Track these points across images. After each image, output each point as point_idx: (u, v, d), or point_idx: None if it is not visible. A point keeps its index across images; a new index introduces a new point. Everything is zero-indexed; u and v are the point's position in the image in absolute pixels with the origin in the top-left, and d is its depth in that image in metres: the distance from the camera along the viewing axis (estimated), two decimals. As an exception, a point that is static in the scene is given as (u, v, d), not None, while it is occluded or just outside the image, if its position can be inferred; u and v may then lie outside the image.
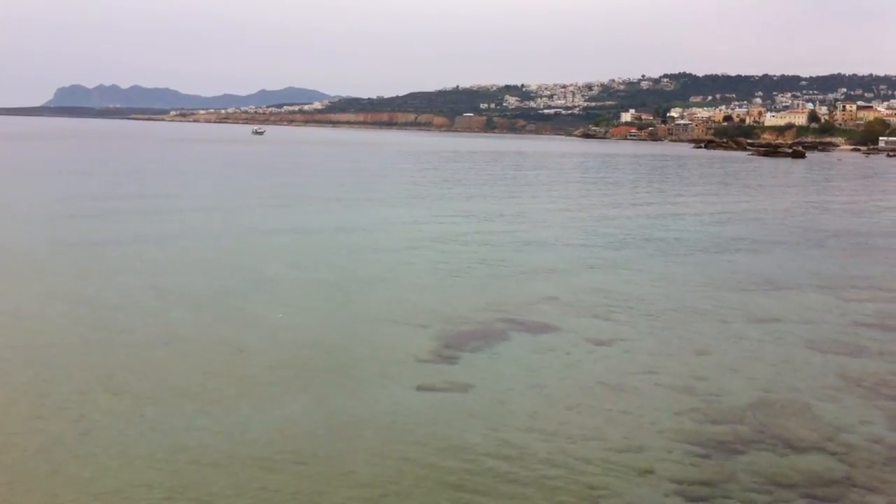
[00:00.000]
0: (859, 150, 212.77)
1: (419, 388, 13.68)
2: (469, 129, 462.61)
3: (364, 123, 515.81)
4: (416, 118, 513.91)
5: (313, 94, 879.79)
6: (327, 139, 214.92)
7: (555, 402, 13.22)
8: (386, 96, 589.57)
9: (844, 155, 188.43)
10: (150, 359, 14.86)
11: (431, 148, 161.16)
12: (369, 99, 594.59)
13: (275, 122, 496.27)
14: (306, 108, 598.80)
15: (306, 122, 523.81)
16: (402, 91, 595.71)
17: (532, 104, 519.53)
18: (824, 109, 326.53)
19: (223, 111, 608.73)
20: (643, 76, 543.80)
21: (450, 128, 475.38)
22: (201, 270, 23.36)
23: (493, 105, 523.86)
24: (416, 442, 11.48)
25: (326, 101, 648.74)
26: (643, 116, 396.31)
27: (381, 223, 35.45)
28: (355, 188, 54.78)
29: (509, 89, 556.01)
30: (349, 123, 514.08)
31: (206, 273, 23.00)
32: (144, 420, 11.93)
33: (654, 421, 12.52)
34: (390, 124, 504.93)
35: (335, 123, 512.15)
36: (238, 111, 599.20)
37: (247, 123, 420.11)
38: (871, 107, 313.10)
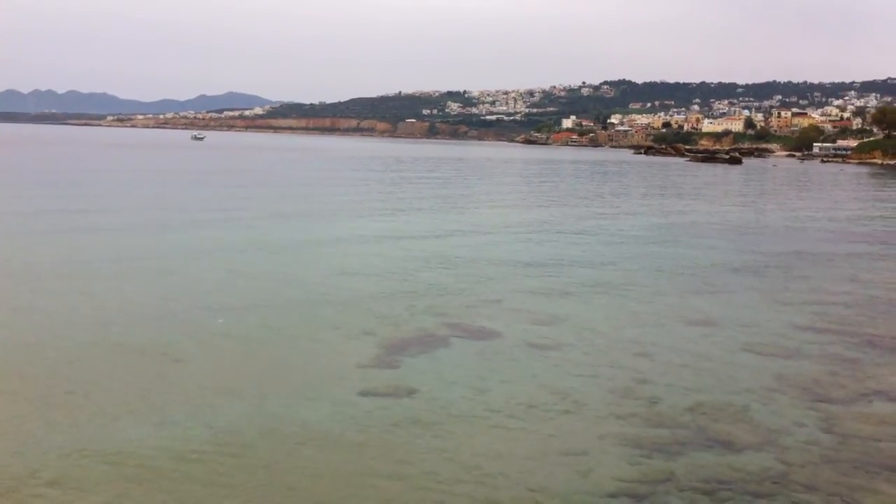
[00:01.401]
0: (794, 155, 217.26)
1: (362, 394, 13.65)
2: (412, 135, 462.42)
3: (306, 129, 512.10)
4: (358, 124, 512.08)
5: (254, 100, 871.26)
6: (269, 145, 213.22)
7: (497, 407, 13.28)
8: (328, 102, 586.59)
9: (780, 161, 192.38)
10: (84, 368, 14.61)
11: (374, 154, 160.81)
12: (311, 104, 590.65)
13: (215, 128, 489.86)
14: (247, 113, 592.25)
15: (247, 128, 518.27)
16: (344, 97, 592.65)
17: (474, 110, 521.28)
18: (760, 116, 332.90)
19: (162, 116, 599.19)
20: (584, 83, 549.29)
21: (392, 134, 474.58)
22: (139, 280, 23.02)
23: (435, 111, 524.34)
24: (359, 449, 11.46)
25: (268, 107, 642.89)
26: (584, 123, 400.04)
27: (325, 230, 35.28)
28: (297, 196, 54.43)
29: (452, 96, 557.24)
30: (291, 129, 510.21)
31: (144, 282, 22.66)
32: (79, 431, 11.71)
33: (596, 424, 12.66)
34: (332, 130, 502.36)
35: (276, 129, 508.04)
36: (177, 116, 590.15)
37: (186, 129, 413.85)
38: (806, 113, 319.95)
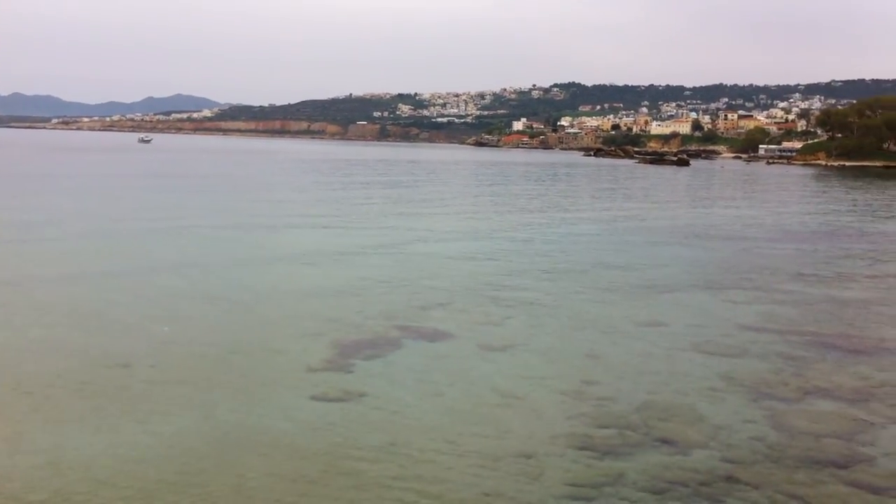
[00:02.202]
0: (741, 157, 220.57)
1: (313, 398, 13.57)
2: (362, 137, 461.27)
3: (256, 131, 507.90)
4: (309, 126, 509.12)
5: (203, 102, 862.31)
6: (218, 148, 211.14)
7: (449, 409, 13.29)
8: (278, 104, 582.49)
9: (727, 162, 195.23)
10: (29, 376, 14.31)
11: (325, 156, 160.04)
12: (261, 107, 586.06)
13: (162, 131, 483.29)
14: (195, 115, 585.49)
15: (195, 131, 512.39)
16: (294, 99, 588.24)
17: (425, 113, 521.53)
18: (707, 118, 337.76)
19: (108, 119, 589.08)
20: (534, 86, 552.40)
21: (343, 136, 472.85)
22: (83, 284, 22.65)
23: (386, 113, 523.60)
24: (311, 453, 11.39)
25: (216, 109, 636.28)
26: (534, 125, 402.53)
27: (275, 234, 35.03)
28: (246, 198, 54.00)
29: (403, 98, 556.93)
30: (240, 132, 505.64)
31: (89, 287, 22.31)
32: (24, 440, 11.48)
33: (546, 425, 12.72)
34: (283, 132, 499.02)
35: (226, 132, 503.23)
36: (124, 119, 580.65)
37: (133, 131, 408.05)
38: (752, 116, 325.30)
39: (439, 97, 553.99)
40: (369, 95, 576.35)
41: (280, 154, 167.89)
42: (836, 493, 10.63)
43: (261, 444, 11.67)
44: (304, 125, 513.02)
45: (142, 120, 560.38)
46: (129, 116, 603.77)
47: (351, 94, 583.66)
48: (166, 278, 23.78)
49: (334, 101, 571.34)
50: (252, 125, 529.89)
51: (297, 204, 49.79)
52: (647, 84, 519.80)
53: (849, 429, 12.86)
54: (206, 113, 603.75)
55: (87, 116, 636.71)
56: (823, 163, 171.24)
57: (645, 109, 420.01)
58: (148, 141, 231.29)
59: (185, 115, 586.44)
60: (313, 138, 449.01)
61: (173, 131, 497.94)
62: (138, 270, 24.99)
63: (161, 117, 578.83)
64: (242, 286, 23.00)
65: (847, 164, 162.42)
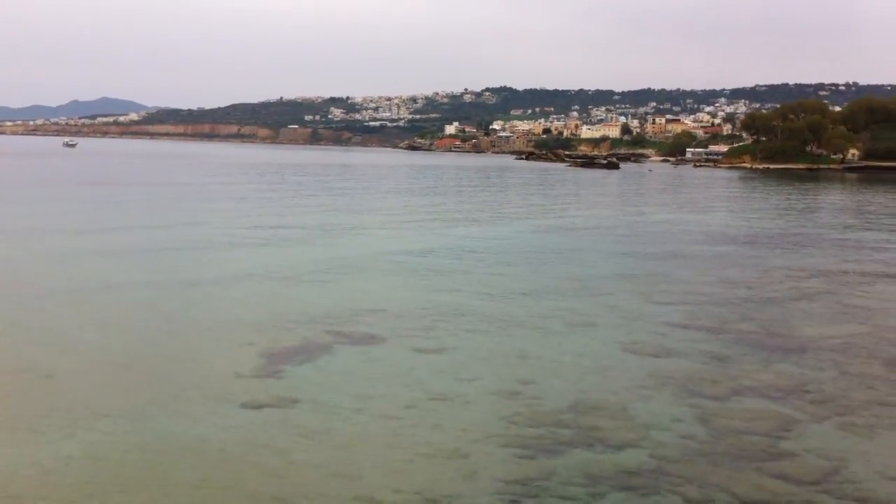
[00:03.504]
0: (669, 160, 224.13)
1: (243, 406, 13.40)
2: (294, 141, 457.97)
3: (184, 135, 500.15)
4: (239, 130, 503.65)
5: (129, 105, 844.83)
6: (145, 152, 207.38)
7: (382, 413, 13.24)
8: (207, 107, 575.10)
9: (655, 165, 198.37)
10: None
11: (256, 160, 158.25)
12: (190, 110, 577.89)
13: (88, 135, 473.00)
14: (122, 119, 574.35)
15: (122, 134, 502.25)
16: (224, 102, 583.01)
17: (358, 116, 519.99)
18: (636, 122, 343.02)
19: (32, 123, 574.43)
20: (466, 90, 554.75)
21: (274, 140, 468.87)
22: (6, 294, 22.05)
23: (318, 117, 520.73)
24: (241, 462, 11.25)
25: (144, 113, 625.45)
26: (467, 129, 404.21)
27: (207, 239, 34.50)
28: (173, 204, 53.17)
29: (335, 101, 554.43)
30: (168, 135, 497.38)
31: (9, 297, 21.71)
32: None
33: (479, 425, 12.77)
34: (212, 136, 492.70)
35: (153, 135, 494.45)
36: (48, 123, 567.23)
37: (58, 136, 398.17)
38: (679, 120, 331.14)
39: (372, 101, 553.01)
40: (301, 99, 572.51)
41: (210, 158, 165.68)
42: (763, 486, 10.86)
43: (189, 452, 11.48)
44: (234, 129, 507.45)
45: (66, 124, 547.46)
46: (53, 120, 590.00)
47: (282, 98, 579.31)
48: (93, 287, 23.25)
49: (265, 105, 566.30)
50: (181, 129, 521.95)
51: (230, 210, 49.14)
52: (577, 88, 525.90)
53: (775, 425, 13.15)
54: (134, 116, 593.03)
55: (10, 121, 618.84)
56: (749, 165, 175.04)
57: (575, 114, 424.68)
58: (73, 145, 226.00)
59: (111, 119, 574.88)
60: (244, 142, 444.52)
61: (99, 135, 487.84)
62: (62, 279, 24.40)
63: (87, 121, 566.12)
64: (171, 292, 22.62)
65: (772, 166, 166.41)
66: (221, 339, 17.76)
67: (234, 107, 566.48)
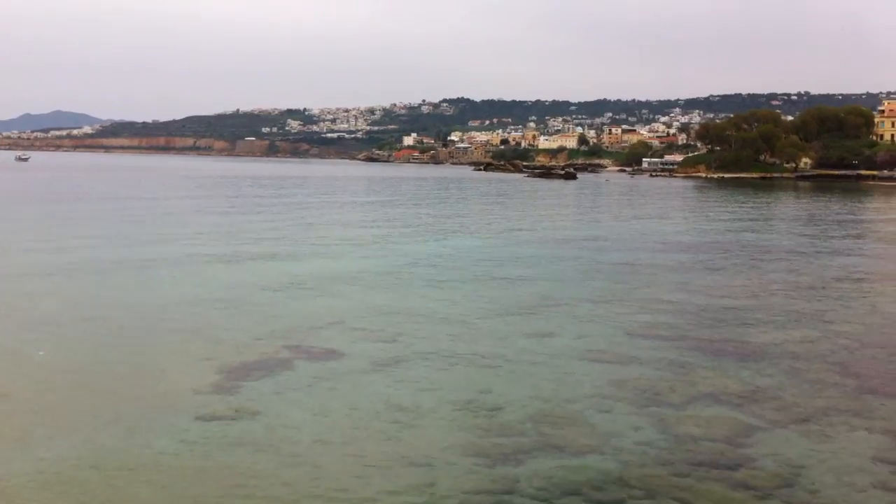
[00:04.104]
0: (625, 170, 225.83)
1: (201, 421, 13.26)
2: (251, 153, 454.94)
3: (139, 148, 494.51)
4: (195, 142, 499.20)
5: (83, 118, 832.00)
6: (100, 165, 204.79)
7: (342, 427, 13.17)
8: (162, 120, 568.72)
9: (612, 175, 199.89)
10: None
11: (212, 173, 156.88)
12: (144, 123, 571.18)
13: (41, 148, 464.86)
14: (76, 132, 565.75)
15: (76, 148, 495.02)
16: (179, 115, 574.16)
17: (315, 128, 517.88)
18: (593, 133, 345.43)
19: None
20: (424, 101, 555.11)
21: (231, 152, 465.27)
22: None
23: (275, 129, 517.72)
24: (201, 475, 11.14)
25: (98, 126, 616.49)
26: (425, 140, 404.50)
27: (162, 254, 34.10)
28: (132, 215, 52.54)
29: (292, 113, 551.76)
30: (123, 149, 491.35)
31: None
32: None
33: (440, 436, 12.75)
34: (167, 149, 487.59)
35: (108, 149, 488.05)
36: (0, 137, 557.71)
37: (10, 149, 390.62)
38: (635, 130, 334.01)
39: (329, 112, 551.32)
40: (257, 111, 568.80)
41: (165, 171, 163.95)
42: (723, 494, 10.95)
43: (147, 467, 11.32)
44: (189, 141, 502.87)
45: (18, 138, 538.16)
46: (5, 134, 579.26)
47: (238, 110, 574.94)
48: (46, 301, 22.88)
49: (221, 117, 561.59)
50: (135, 142, 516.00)
51: (186, 221, 48.65)
52: (534, 99, 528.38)
53: (733, 432, 13.27)
54: (87, 129, 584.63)
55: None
56: (704, 175, 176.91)
57: (533, 124, 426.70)
58: (25, 159, 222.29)
59: (64, 133, 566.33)
60: (200, 154, 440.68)
61: (52, 149, 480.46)
62: (13, 294, 24.00)
63: (40, 135, 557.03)
64: (128, 309, 22.33)
65: (726, 175, 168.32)
66: (180, 355, 17.56)
67: (189, 119, 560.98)
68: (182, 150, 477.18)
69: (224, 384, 15.33)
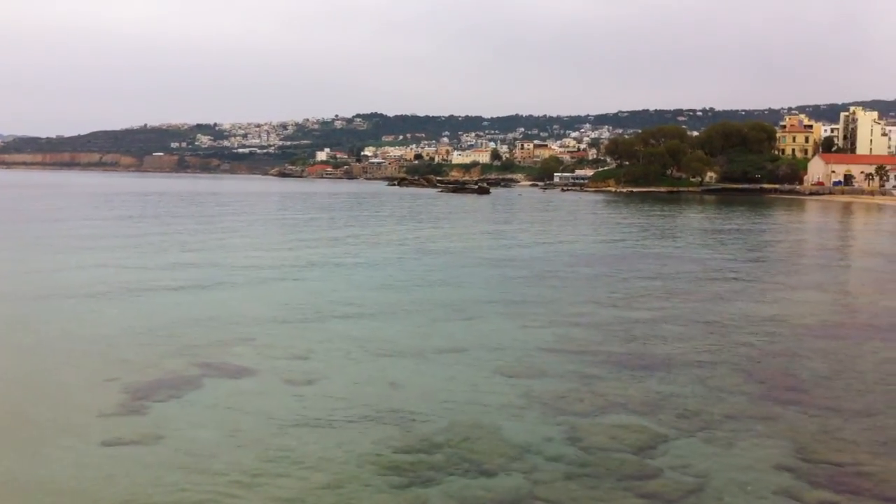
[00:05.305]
0: (538, 185, 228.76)
1: (105, 444, 12.88)
2: (160, 168, 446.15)
3: (42, 164, 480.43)
4: (101, 158, 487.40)
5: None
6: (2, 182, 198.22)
7: (252, 446, 12.93)
8: (67, 135, 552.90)
9: (525, 190, 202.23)
10: None
11: (119, 189, 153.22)
12: (48, 138, 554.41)
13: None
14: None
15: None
16: (84, 130, 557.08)
17: (226, 143, 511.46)
18: (505, 148, 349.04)
19: None
20: (337, 116, 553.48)
21: (139, 168, 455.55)
22: None
23: (185, 144, 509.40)
24: (102, 501, 10.75)
25: (0, 142, 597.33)
26: (338, 155, 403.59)
27: (64, 269, 33.08)
28: (31, 233, 50.89)
29: (202, 128, 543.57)
30: (26, 164, 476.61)
31: None
32: None
33: (352, 454, 12.63)
34: (72, 165, 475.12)
35: (9, 165, 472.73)
36: None
37: None
38: (547, 145, 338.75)
39: (240, 127, 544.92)
40: (166, 126, 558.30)
41: (70, 188, 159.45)
42: None
43: (49, 494, 10.93)
44: (96, 157, 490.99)
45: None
46: None
47: (146, 125, 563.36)
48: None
49: (128, 132, 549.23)
50: (39, 158, 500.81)
51: (89, 239, 47.30)
52: (447, 114, 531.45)
53: (642, 442, 13.46)
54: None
55: None
56: (614, 189, 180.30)
57: (446, 139, 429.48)
58: None
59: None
60: (106, 170, 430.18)
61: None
62: None
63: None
64: (27, 328, 21.56)
65: (635, 190, 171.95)
66: (83, 375, 17.02)
67: (95, 134, 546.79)
68: (88, 166, 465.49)
69: (130, 405, 14.93)
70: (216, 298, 26.81)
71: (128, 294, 27.10)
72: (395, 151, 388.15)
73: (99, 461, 12.20)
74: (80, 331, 21.35)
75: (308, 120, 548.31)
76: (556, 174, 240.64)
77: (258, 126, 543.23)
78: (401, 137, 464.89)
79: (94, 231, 53.87)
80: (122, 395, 15.52)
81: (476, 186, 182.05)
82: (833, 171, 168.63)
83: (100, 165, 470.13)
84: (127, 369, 17.42)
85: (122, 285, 28.91)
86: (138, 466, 12.01)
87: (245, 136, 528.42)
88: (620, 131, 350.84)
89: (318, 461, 12.37)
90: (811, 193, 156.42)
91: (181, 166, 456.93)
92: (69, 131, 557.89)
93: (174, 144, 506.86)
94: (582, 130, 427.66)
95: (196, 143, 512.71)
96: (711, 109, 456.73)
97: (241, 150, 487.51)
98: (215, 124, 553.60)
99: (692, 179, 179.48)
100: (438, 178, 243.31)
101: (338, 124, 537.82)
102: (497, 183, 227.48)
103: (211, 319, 23.21)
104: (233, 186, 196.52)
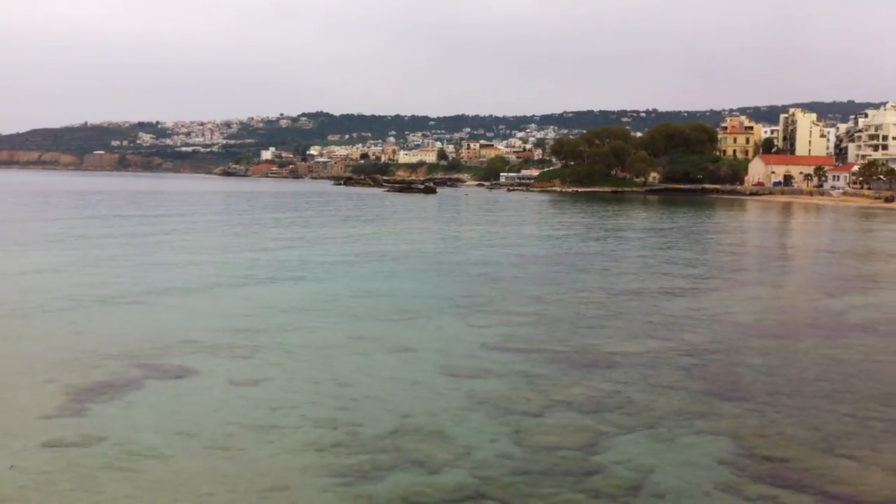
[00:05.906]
0: (484, 185, 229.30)
1: (45, 446, 12.67)
2: (101, 167, 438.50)
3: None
4: (40, 156, 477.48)
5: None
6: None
7: (194, 448, 12.79)
8: (4, 133, 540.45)
9: (471, 190, 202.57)
10: None
11: (58, 188, 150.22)
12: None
13: None
14: None
15: None
16: (23, 128, 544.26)
17: (168, 142, 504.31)
18: (452, 148, 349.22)
19: None
20: (282, 115, 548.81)
21: (79, 166, 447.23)
22: None
23: (126, 142, 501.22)
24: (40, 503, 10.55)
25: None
26: (284, 154, 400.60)
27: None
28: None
29: (143, 126, 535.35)
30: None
31: None
32: None
33: (298, 455, 12.56)
34: (10, 163, 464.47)
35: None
36: None
37: None
38: (493, 145, 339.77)
39: (183, 126, 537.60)
40: (107, 124, 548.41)
41: (9, 186, 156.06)
42: (577, 502, 11.16)
43: (-17, 500, 10.66)
44: (34, 155, 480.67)
45: None
46: None
47: (87, 123, 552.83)
48: None
49: (68, 130, 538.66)
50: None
51: (24, 232, 46.33)
52: (393, 114, 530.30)
53: (586, 440, 13.58)
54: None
55: None
56: (559, 189, 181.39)
57: (392, 139, 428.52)
58: None
59: None
60: (45, 169, 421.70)
61: None
62: None
63: None
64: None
65: (580, 189, 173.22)
66: (21, 376, 16.64)
67: (33, 132, 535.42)
68: (26, 165, 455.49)
69: (69, 407, 14.69)
70: (157, 299, 26.42)
71: (67, 296, 26.57)
72: (341, 151, 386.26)
73: (38, 463, 12.01)
74: (20, 333, 20.90)
75: (253, 118, 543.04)
76: (502, 174, 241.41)
77: (202, 124, 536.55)
78: (347, 137, 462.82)
79: (37, 232, 52.76)
80: (63, 397, 15.27)
81: (422, 186, 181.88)
82: (773, 172, 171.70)
83: (39, 164, 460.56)
84: (67, 371, 17.13)
85: (63, 287, 28.36)
86: (78, 469, 11.82)
87: (188, 134, 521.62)
88: (566, 132, 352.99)
89: (262, 463, 12.27)
90: (752, 194, 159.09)
91: (122, 165, 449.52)
92: (6, 129, 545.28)
93: (115, 143, 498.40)
94: (528, 130, 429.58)
95: (138, 142, 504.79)
96: (655, 111, 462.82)
97: (184, 149, 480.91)
98: (158, 122, 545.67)
99: (636, 179, 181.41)
100: (385, 177, 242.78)
101: (283, 123, 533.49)
102: (443, 183, 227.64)
103: (152, 320, 22.89)
104: (175, 185, 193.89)
